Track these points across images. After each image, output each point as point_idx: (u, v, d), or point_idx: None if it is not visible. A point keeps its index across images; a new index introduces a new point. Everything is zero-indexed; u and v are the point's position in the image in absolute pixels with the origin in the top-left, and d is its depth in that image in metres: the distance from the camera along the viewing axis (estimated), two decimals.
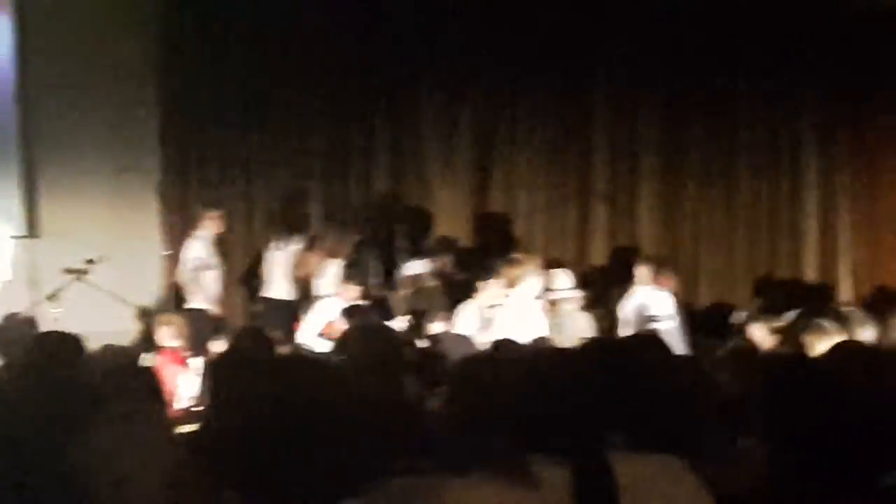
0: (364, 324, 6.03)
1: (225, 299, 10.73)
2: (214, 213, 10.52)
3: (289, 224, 10.93)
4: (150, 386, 4.01)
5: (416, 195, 11.79)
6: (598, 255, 12.20)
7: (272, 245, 10.77)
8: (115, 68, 10.78)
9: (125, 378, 3.96)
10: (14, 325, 7.93)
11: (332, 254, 10.39)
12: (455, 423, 3.55)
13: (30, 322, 8.30)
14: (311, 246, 10.62)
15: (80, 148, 10.78)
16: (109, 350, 6.24)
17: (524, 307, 9.03)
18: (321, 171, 11.51)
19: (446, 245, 11.16)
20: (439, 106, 11.79)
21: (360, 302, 9.35)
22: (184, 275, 10.38)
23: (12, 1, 10.62)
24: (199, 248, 10.38)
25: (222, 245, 10.73)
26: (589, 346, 4.29)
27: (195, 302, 10.24)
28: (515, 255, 9.76)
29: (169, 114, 11.03)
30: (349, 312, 8.72)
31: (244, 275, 11.21)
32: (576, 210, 12.21)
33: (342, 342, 5.42)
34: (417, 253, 10.96)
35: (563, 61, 11.92)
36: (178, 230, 10.88)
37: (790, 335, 7.20)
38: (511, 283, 9.05)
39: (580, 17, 11.80)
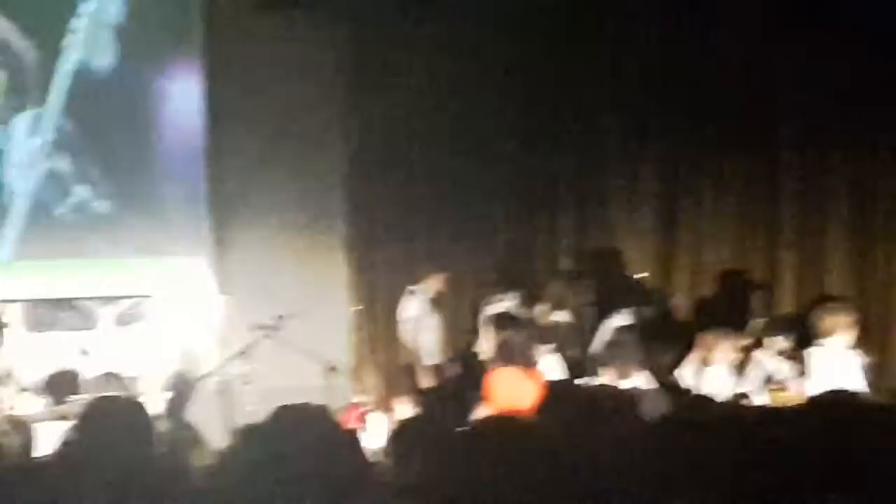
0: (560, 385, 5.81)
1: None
2: (439, 274, 10.52)
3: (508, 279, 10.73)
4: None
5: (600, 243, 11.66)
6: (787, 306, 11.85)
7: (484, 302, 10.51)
8: (302, 126, 10.92)
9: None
10: None
11: (559, 305, 10.22)
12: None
13: None
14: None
15: (267, 206, 10.92)
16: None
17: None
18: (505, 229, 11.43)
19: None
20: (623, 165, 11.67)
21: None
22: (403, 333, 10.37)
23: (201, 61, 10.84)
24: (416, 305, 10.36)
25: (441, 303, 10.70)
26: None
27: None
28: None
29: (353, 170, 11.09)
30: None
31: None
32: (763, 264, 11.87)
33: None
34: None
35: (745, 108, 11.63)
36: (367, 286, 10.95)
37: None
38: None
39: (764, 67, 11.49)
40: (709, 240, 11.87)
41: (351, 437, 4.03)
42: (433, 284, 10.55)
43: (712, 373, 9.09)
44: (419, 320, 10.35)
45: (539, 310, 10.06)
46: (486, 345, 8.15)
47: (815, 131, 11.78)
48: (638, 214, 11.72)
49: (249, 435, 5.16)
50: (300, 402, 6.34)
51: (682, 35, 11.41)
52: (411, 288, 10.58)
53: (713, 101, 11.51)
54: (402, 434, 4.97)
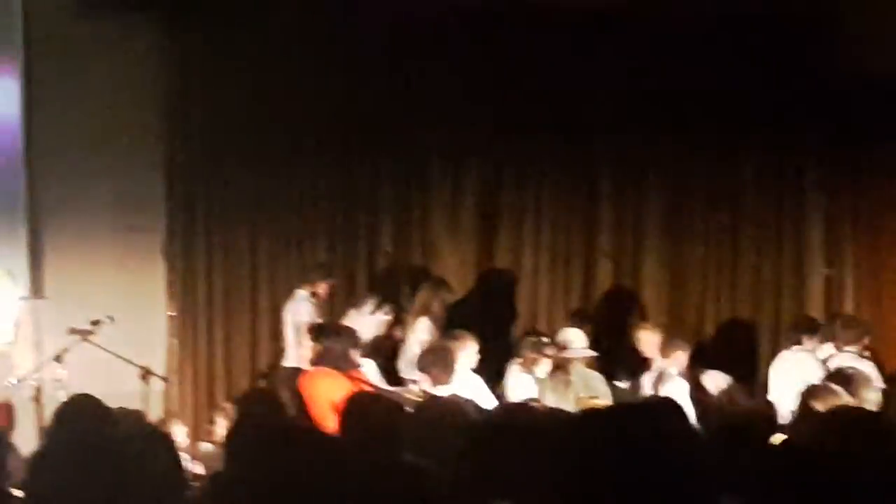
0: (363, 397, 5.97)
1: None
2: (330, 281, 10.71)
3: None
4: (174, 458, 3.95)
5: (422, 257, 11.84)
6: (602, 315, 12.25)
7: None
8: (121, 131, 10.84)
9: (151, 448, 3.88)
10: None
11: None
12: (462, 488, 3.54)
13: None
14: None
15: (85, 209, 10.82)
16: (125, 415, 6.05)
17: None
18: (326, 232, 11.54)
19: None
20: (444, 168, 11.85)
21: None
22: (288, 334, 10.41)
23: (19, 65, 10.69)
24: (309, 309, 10.43)
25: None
26: (606, 413, 4.27)
27: (292, 361, 10.25)
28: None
29: (173, 175, 11.06)
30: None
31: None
32: (580, 271, 12.25)
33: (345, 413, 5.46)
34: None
35: (567, 122, 11.98)
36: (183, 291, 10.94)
37: None
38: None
39: (582, 79, 11.87)
40: (529, 249, 12.17)
41: (166, 440, 4.11)
42: (323, 291, 10.64)
43: (527, 381, 9.41)
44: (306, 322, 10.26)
45: (353, 317, 10.19)
46: (302, 352, 8.34)
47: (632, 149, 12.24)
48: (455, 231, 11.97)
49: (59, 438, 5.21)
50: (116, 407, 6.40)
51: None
52: (301, 292, 10.63)
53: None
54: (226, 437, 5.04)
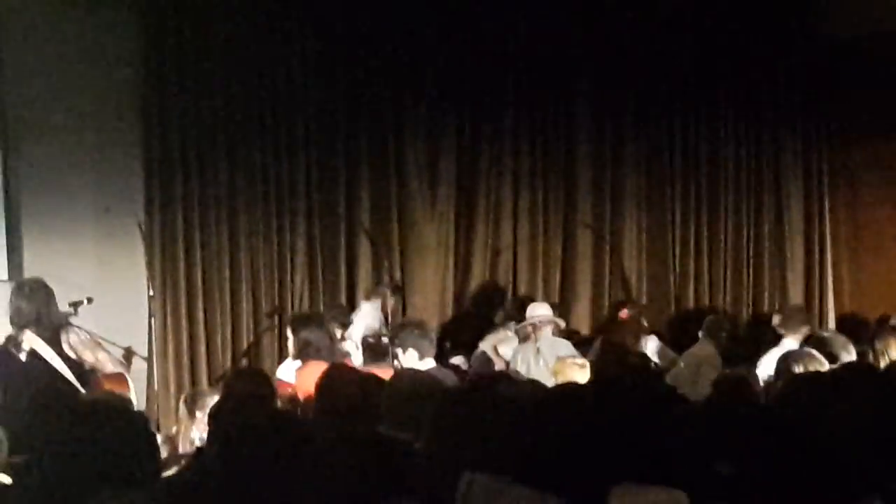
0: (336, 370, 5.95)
1: None
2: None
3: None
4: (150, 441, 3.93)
5: (402, 232, 11.82)
6: (584, 287, 12.30)
7: None
8: (98, 108, 10.80)
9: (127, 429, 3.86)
10: None
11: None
12: (436, 459, 3.53)
13: None
14: None
15: (63, 189, 10.76)
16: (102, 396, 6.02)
17: None
18: (306, 209, 11.50)
19: None
20: (421, 143, 11.84)
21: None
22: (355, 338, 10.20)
23: None
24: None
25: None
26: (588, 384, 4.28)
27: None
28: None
29: (151, 153, 11.00)
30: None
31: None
32: (560, 241, 12.26)
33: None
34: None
35: (544, 92, 12.03)
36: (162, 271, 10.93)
37: None
38: None
39: (561, 49, 11.91)
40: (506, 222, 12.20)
41: (143, 421, 4.10)
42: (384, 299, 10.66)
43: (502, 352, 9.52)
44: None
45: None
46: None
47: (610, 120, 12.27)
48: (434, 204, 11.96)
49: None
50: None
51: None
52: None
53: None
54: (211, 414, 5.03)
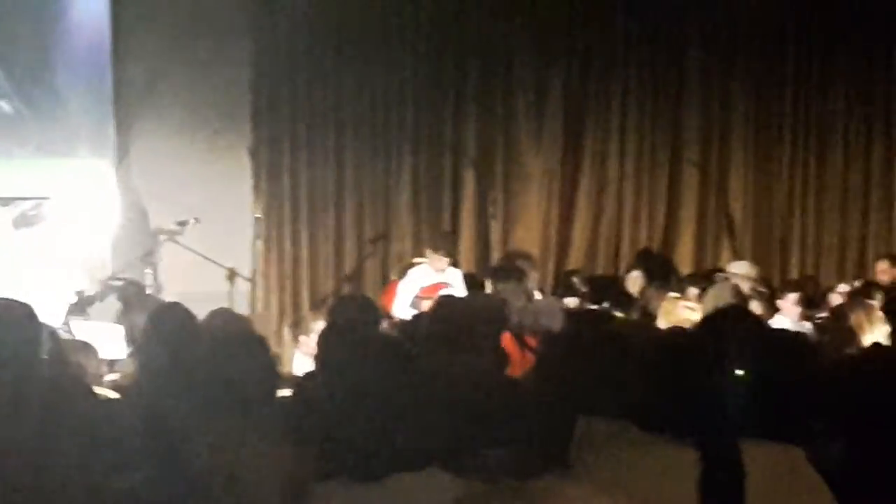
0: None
1: None
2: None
3: None
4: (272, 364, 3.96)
5: (506, 165, 11.76)
6: (688, 225, 12.12)
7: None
8: (209, 29, 10.82)
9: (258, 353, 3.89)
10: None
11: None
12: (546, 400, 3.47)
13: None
14: None
15: (172, 111, 10.86)
16: (221, 317, 6.01)
17: None
18: (412, 138, 11.48)
19: None
20: (529, 76, 11.71)
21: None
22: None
23: None
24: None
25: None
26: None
27: None
28: None
29: (259, 74, 11.03)
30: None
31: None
32: (665, 178, 12.11)
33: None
34: None
35: (653, 31, 11.83)
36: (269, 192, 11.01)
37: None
38: None
39: None
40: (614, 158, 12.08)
41: (262, 342, 4.14)
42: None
43: None
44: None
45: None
46: None
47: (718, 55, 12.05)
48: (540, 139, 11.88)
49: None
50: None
51: None
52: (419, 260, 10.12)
53: None
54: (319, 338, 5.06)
